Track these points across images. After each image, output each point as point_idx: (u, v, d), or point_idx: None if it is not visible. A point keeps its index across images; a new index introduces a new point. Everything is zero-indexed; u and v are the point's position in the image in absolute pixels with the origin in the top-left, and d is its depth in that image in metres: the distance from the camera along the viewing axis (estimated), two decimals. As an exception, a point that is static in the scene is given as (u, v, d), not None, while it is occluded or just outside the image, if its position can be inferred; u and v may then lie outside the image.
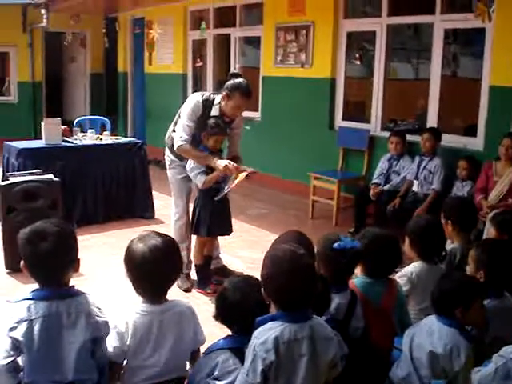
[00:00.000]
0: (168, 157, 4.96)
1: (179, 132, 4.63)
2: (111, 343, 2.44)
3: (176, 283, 4.63)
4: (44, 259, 2.35)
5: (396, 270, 3.23)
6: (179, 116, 4.77)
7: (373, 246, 2.96)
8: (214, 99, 4.65)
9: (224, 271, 5.08)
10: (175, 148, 4.64)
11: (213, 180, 4.48)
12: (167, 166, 5.01)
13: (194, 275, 4.94)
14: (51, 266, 2.37)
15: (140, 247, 2.44)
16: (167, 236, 2.57)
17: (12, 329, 2.30)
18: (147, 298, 2.49)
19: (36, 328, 2.30)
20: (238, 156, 4.85)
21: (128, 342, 2.41)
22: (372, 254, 2.94)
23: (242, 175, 4.41)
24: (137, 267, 2.44)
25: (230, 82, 4.56)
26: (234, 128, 4.80)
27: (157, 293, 2.49)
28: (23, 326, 2.29)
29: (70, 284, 2.48)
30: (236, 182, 4.41)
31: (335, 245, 2.78)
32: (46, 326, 2.31)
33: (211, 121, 4.51)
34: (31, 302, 2.35)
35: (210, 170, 4.48)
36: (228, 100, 4.54)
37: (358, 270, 3.05)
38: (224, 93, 4.56)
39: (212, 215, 4.56)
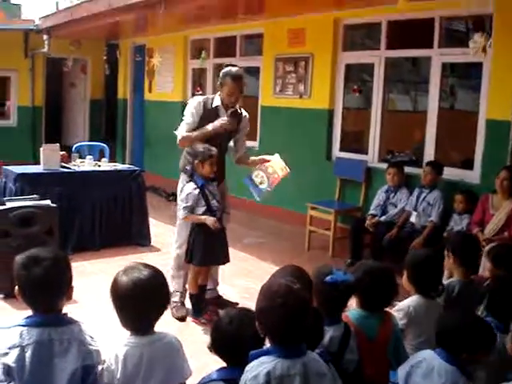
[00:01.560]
0: (181, 182, 4.91)
1: (180, 130, 4.83)
2: (100, 381, 2.37)
3: (170, 311, 4.62)
4: (37, 284, 2.34)
5: (393, 303, 3.21)
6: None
7: (367, 278, 2.94)
8: (213, 97, 4.89)
9: (219, 301, 5.05)
10: (178, 143, 4.79)
11: (195, 221, 4.58)
12: (178, 192, 4.93)
13: (188, 303, 4.90)
14: (44, 292, 2.36)
15: (124, 280, 2.40)
16: (154, 268, 2.51)
17: (4, 355, 2.28)
18: (132, 331, 2.44)
19: (28, 354, 2.28)
20: (246, 155, 5.12)
21: (118, 376, 2.35)
22: (367, 287, 2.93)
23: (282, 168, 4.84)
24: (121, 300, 2.40)
25: (221, 71, 4.82)
26: (242, 128, 5.03)
27: (141, 326, 2.43)
28: (15, 352, 2.27)
29: (64, 311, 2.46)
30: (281, 174, 4.81)
31: (327, 278, 2.76)
32: (37, 352, 2.29)
33: (199, 148, 4.55)
34: (24, 328, 2.33)
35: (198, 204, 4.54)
36: (222, 88, 4.78)
37: (353, 303, 3.03)
38: (218, 83, 4.82)
39: (206, 244, 4.55)
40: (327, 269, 2.86)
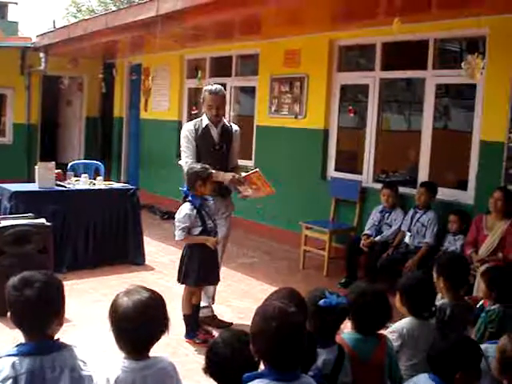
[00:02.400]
0: None
1: (184, 158, 5.01)
2: None
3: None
4: (27, 306, 2.32)
5: (387, 325, 3.21)
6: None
7: (361, 301, 2.94)
8: (201, 119, 5.13)
9: (213, 321, 5.04)
10: (185, 172, 4.81)
11: (194, 242, 4.58)
12: None
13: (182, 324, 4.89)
14: (34, 314, 2.34)
15: (124, 302, 2.38)
16: (154, 292, 2.49)
17: None
18: (128, 354, 2.41)
19: None
20: (238, 166, 5.25)
21: None
22: (360, 309, 2.93)
23: (264, 190, 4.98)
24: (118, 322, 2.38)
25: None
26: (234, 141, 5.19)
27: (137, 350, 2.40)
28: None
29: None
30: (265, 193, 4.99)
31: (321, 302, 2.76)
32: (30, 381, 2.27)
33: (197, 168, 4.58)
34: (16, 358, 2.31)
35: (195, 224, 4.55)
36: (203, 104, 5.08)
37: (348, 325, 3.03)
38: (201, 101, 5.14)
39: (200, 264, 4.54)
40: (321, 292, 2.85)
